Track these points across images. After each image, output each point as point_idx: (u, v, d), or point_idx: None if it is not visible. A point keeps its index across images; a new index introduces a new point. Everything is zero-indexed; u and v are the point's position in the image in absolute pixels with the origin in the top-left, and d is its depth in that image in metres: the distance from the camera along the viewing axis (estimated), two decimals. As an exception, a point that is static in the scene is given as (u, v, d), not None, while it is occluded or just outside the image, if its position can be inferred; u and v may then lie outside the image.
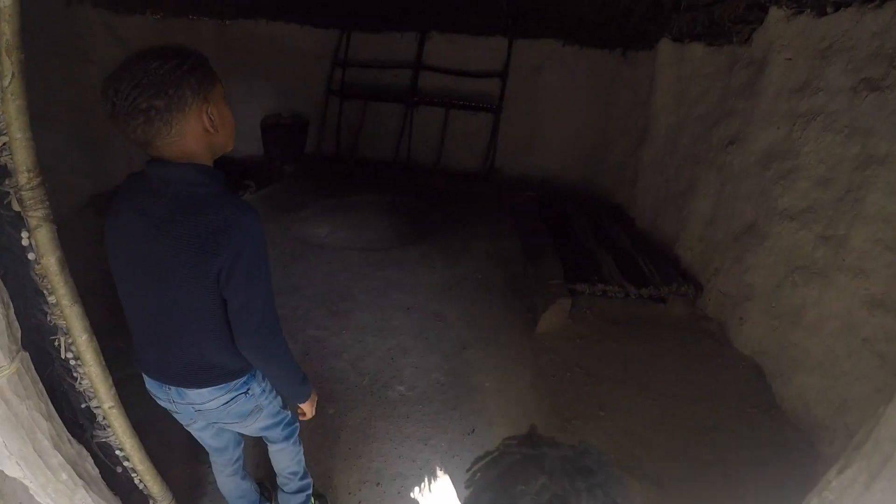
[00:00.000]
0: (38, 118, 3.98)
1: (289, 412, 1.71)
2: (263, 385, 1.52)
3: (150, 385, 1.43)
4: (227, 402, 1.43)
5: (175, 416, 1.51)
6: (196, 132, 1.19)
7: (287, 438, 1.73)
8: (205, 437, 1.64)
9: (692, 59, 4.18)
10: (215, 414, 1.45)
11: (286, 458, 1.81)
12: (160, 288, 1.23)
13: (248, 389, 1.46)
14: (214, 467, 1.82)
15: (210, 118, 1.20)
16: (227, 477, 1.81)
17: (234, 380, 1.41)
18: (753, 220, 3.27)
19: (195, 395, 1.39)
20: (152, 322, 1.31)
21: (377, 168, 6.47)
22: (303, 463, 1.88)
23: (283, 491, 1.91)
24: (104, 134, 4.69)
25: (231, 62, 6.08)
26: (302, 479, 1.90)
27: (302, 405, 1.58)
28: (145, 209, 1.19)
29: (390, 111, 6.51)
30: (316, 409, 1.65)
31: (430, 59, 6.34)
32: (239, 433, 1.74)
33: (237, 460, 1.80)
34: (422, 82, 6.37)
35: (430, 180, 6.08)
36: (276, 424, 1.66)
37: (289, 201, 5.21)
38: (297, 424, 1.77)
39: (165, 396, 1.42)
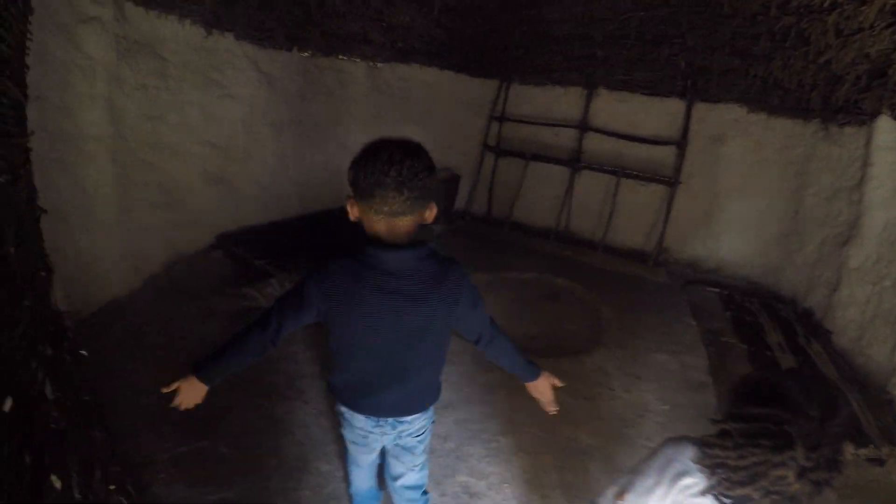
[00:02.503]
0: (169, 152, 3.96)
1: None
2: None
3: (365, 423, 1.76)
4: (420, 427, 1.83)
5: (370, 443, 1.84)
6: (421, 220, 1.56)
7: (421, 486, 2.04)
8: (370, 458, 2.00)
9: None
10: (408, 440, 1.84)
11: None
12: (416, 340, 1.60)
13: (433, 423, 1.90)
14: (357, 479, 2.13)
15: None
16: (365, 482, 2.15)
17: (436, 400, 1.83)
18: None
19: (409, 419, 1.78)
20: (396, 369, 1.65)
21: (532, 236, 6.14)
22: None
23: None
24: (237, 172, 4.75)
25: (381, 107, 6.05)
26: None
27: (537, 384, 1.95)
28: (398, 288, 1.51)
29: (548, 173, 6.19)
30: None
31: (596, 119, 5.97)
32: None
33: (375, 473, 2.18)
34: (586, 144, 6.01)
35: (592, 257, 5.65)
36: (424, 464, 2.00)
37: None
38: (427, 470, 2.07)
39: (379, 430, 1.77)
